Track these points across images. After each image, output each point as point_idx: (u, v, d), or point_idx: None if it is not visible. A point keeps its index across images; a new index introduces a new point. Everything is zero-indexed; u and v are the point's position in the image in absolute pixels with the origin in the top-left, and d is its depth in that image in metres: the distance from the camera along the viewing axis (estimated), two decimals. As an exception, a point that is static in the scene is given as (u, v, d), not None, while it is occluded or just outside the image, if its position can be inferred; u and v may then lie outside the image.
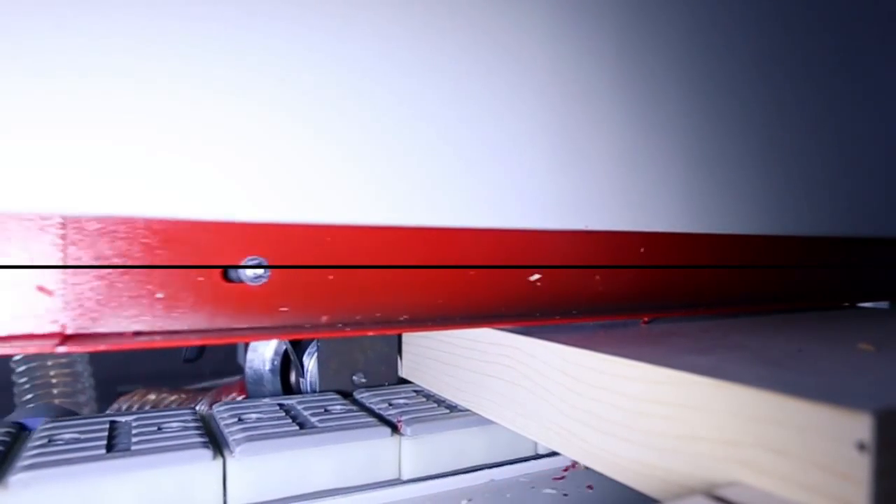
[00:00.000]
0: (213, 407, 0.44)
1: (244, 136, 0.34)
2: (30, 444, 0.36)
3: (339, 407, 0.44)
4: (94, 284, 0.30)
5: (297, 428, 0.39)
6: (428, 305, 0.39)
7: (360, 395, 0.49)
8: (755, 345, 0.36)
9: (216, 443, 0.38)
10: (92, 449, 0.35)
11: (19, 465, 0.33)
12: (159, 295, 0.32)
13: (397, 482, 0.40)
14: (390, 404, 0.46)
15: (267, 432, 0.38)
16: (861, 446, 0.20)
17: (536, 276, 0.43)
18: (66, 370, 0.69)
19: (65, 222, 0.30)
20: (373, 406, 0.46)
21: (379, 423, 0.41)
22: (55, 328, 0.30)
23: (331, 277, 0.36)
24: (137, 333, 0.31)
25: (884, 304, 0.70)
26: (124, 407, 0.68)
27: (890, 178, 0.67)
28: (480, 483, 0.42)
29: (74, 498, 0.32)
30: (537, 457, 0.44)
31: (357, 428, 0.40)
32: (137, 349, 0.31)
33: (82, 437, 0.37)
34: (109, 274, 0.31)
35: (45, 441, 0.36)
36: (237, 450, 0.36)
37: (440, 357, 0.46)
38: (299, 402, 0.45)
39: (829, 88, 0.61)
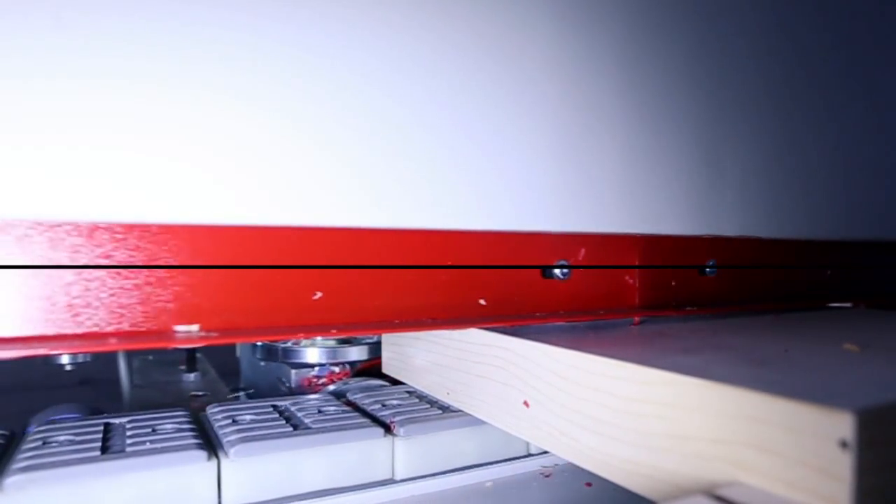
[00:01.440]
0: (207, 408, 0.45)
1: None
2: (24, 447, 0.36)
3: (332, 408, 0.45)
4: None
5: (291, 429, 0.39)
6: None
7: (354, 396, 0.49)
8: (743, 345, 0.36)
9: (211, 444, 0.38)
10: (87, 451, 0.35)
11: (14, 467, 0.33)
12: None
13: (391, 482, 0.40)
14: (384, 405, 0.46)
15: (261, 433, 0.38)
16: (843, 444, 0.21)
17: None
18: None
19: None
20: (366, 407, 0.46)
21: (372, 424, 0.41)
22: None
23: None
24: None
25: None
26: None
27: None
28: (473, 482, 0.42)
29: (70, 500, 0.32)
30: (529, 456, 0.45)
31: (351, 429, 0.40)
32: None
33: (77, 438, 0.37)
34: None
35: (39, 443, 0.36)
36: (231, 451, 0.36)
37: (431, 357, 0.46)
38: (293, 404, 0.46)
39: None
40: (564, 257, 0.44)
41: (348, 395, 0.50)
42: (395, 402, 0.47)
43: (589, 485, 0.41)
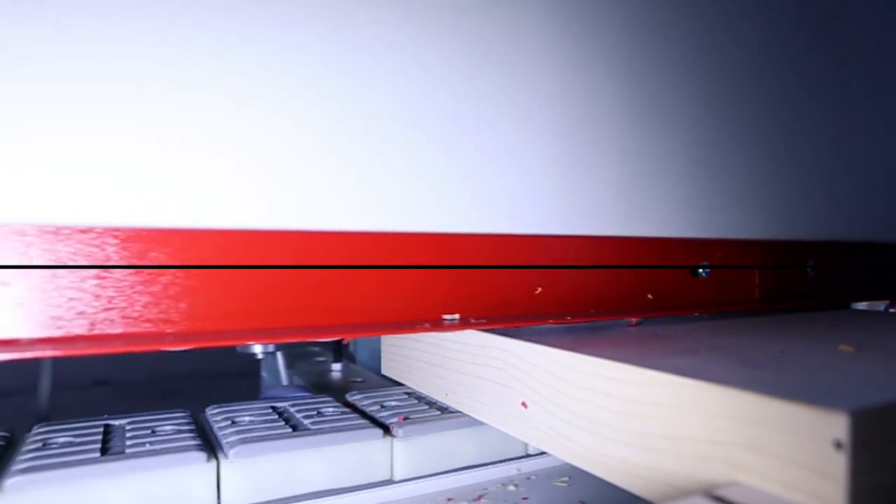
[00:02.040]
0: (206, 409, 0.45)
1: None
2: (24, 448, 0.36)
3: (331, 409, 0.45)
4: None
5: (290, 430, 0.40)
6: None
7: (353, 398, 0.49)
8: (739, 346, 0.37)
9: (210, 445, 0.38)
10: (86, 452, 0.35)
11: (14, 468, 0.33)
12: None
13: (389, 483, 0.40)
14: (382, 406, 0.46)
15: (260, 434, 0.38)
16: (838, 445, 0.21)
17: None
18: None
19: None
20: (365, 408, 0.46)
21: (371, 425, 0.41)
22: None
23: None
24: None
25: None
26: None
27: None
28: (472, 483, 0.42)
29: (69, 501, 0.32)
30: (527, 457, 0.45)
31: (349, 430, 0.40)
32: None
33: (77, 440, 0.37)
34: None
35: (39, 445, 0.36)
36: (231, 452, 0.36)
37: (429, 359, 0.47)
38: (292, 405, 0.46)
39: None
40: (706, 258, 0.53)
41: (347, 396, 0.50)
42: (393, 403, 0.47)
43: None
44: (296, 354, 0.81)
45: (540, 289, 0.43)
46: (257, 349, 0.60)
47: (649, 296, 0.49)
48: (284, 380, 0.67)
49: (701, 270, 0.52)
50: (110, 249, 0.31)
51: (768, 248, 0.58)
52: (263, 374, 0.76)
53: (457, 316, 0.40)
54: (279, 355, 0.68)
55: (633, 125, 0.49)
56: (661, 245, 0.51)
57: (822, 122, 0.63)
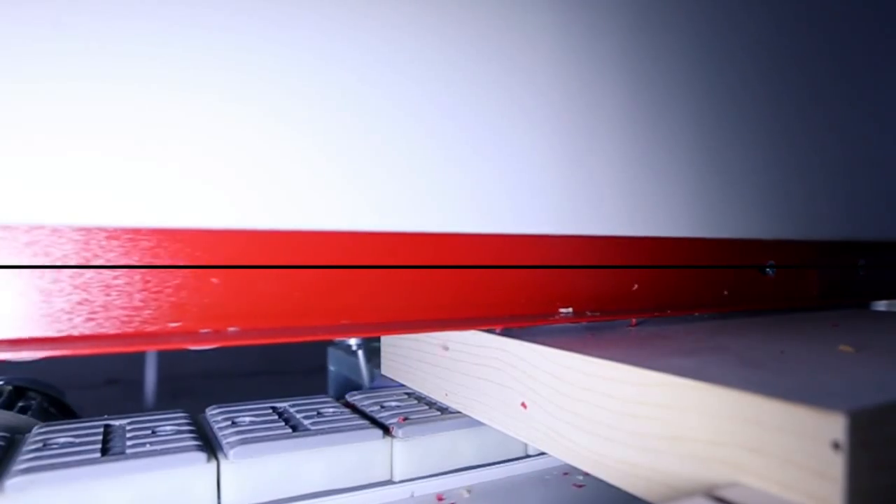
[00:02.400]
0: (206, 410, 0.45)
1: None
2: (25, 449, 0.36)
3: (331, 409, 0.45)
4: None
5: (290, 431, 0.40)
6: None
7: (353, 398, 0.49)
8: (739, 347, 0.37)
9: (210, 446, 0.38)
10: (87, 453, 0.35)
11: (15, 469, 0.33)
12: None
13: (389, 483, 0.40)
14: (382, 406, 0.46)
15: (260, 435, 0.38)
16: (836, 445, 0.21)
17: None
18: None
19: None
20: (365, 408, 0.46)
21: (371, 426, 0.41)
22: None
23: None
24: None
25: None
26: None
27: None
28: (472, 483, 0.42)
29: (70, 501, 0.32)
30: (527, 457, 0.45)
31: (349, 430, 0.40)
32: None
33: (77, 440, 0.37)
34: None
35: (40, 445, 0.36)
36: (231, 453, 0.37)
37: (429, 359, 0.47)
38: (292, 405, 0.46)
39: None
40: (772, 258, 0.57)
41: (347, 396, 0.50)
42: (393, 403, 0.47)
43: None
44: (371, 350, 0.81)
45: (636, 285, 0.48)
46: (352, 341, 0.66)
47: (725, 292, 0.54)
48: (366, 376, 0.68)
49: (768, 269, 0.56)
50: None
51: (824, 248, 0.63)
52: (331, 367, 0.77)
53: (570, 309, 0.44)
54: (360, 352, 0.70)
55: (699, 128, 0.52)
56: (731, 245, 0.55)
57: (870, 124, 0.66)
